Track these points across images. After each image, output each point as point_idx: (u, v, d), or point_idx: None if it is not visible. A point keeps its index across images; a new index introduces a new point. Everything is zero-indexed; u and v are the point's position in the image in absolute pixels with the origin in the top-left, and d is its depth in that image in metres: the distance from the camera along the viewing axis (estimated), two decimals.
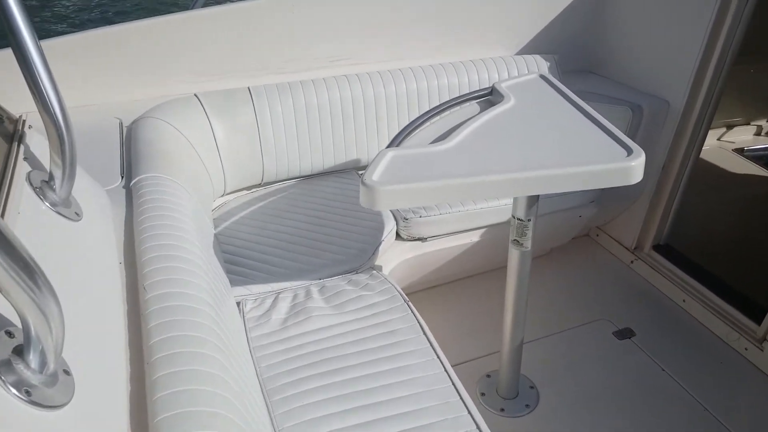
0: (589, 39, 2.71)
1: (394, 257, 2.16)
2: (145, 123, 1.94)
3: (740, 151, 3.57)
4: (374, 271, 1.83)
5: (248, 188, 2.31)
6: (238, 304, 1.71)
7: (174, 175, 1.66)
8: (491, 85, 1.86)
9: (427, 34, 2.44)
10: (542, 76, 1.88)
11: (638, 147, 1.38)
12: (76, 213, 1.20)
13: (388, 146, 1.52)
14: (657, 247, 2.61)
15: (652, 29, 2.41)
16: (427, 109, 2.31)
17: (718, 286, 2.35)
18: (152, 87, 2.17)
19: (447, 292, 2.51)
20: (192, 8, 2.30)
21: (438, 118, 1.76)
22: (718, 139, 3.71)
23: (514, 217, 1.62)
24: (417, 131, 1.68)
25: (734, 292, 2.31)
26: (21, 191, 1.09)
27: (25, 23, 1.01)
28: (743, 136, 3.76)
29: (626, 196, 2.57)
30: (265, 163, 2.22)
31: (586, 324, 2.32)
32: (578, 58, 2.75)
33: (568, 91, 1.74)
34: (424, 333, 1.53)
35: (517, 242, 1.66)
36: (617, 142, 1.43)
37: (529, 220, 1.61)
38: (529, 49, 2.64)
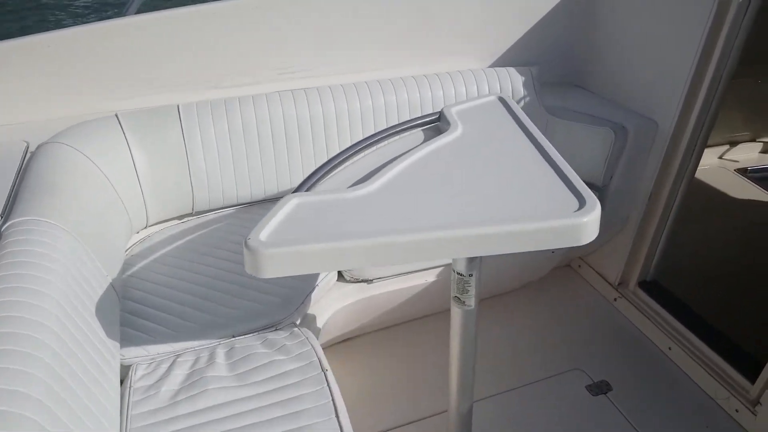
0: (574, 50, 2.43)
1: (336, 302, 1.91)
2: (47, 150, 1.70)
3: (744, 171, 3.27)
4: (296, 329, 1.57)
5: (179, 217, 2.06)
6: (129, 368, 1.46)
7: (58, 217, 1.42)
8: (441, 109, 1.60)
9: (392, 43, 2.17)
10: (501, 99, 1.61)
11: (593, 197, 1.11)
12: None
13: (297, 189, 1.27)
14: (643, 284, 2.34)
15: (641, 42, 2.13)
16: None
17: (708, 334, 2.07)
18: (72, 105, 1.92)
19: (396, 336, 2.24)
20: (124, 14, 2.06)
21: (374, 149, 1.50)
22: (720, 158, 3.41)
23: (454, 271, 1.36)
24: (346, 165, 1.41)
25: (727, 342, 2.03)
26: None
27: None
28: (748, 153, 3.46)
29: (608, 227, 2.29)
30: (195, 192, 1.97)
31: (556, 375, 2.05)
32: (563, 70, 2.48)
33: (526, 119, 1.47)
34: (337, 416, 1.28)
35: (458, 299, 1.39)
36: (570, 190, 1.16)
37: (470, 275, 1.35)
38: (507, 60, 2.36)
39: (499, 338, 2.22)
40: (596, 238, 2.35)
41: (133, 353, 1.48)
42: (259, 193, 2.05)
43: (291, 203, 1.17)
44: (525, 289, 2.47)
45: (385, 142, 1.52)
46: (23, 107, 1.86)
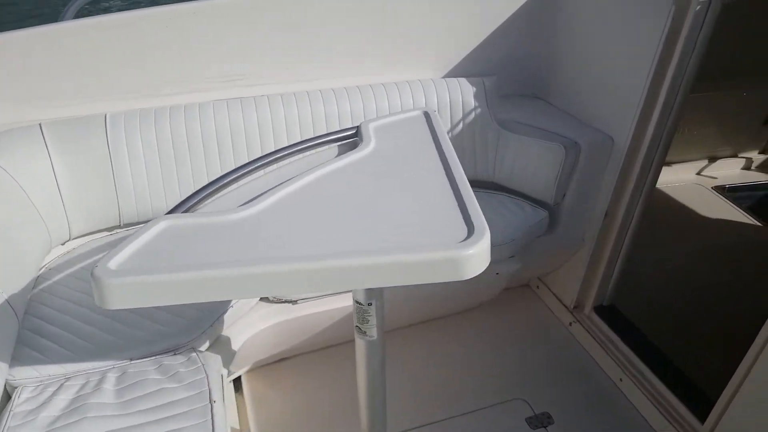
0: (533, 61, 2.32)
1: (258, 322, 1.81)
2: None
3: (722, 188, 3.15)
4: (194, 354, 1.47)
5: (108, 229, 1.97)
6: (14, 389, 1.37)
7: None
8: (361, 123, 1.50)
9: (344, 50, 2.08)
10: (426, 114, 1.51)
11: (483, 226, 1.00)
12: None
13: (173, 209, 1.17)
14: (599, 309, 2.22)
15: (599, 55, 2.03)
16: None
17: (661, 366, 1.95)
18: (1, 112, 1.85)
19: (325, 359, 2.13)
20: (61, 20, 1.98)
21: (281, 165, 1.40)
22: (698, 173, 3.28)
23: (353, 299, 1.26)
24: (242, 183, 1.31)
25: (679, 376, 1.91)
26: None
27: None
28: (729, 170, 3.33)
29: (563, 247, 2.18)
30: (121, 203, 1.88)
31: (497, 404, 1.94)
32: (523, 81, 2.37)
33: (444, 136, 1.37)
34: None
35: (359, 330, 1.29)
36: (463, 217, 1.06)
37: (370, 304, 1.25)
38: (464, 70, 2.26)
39: (442, 362, 2.11)
40: (550, 258, 2.26)
41: (23, 374, 1.39)
42: None
43: (158, 226, 1.07)
44: (479, 309, 2.36)
45: (297, 157, 1.42)
46: None
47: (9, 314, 1.45)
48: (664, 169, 3.19)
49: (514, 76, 2.34)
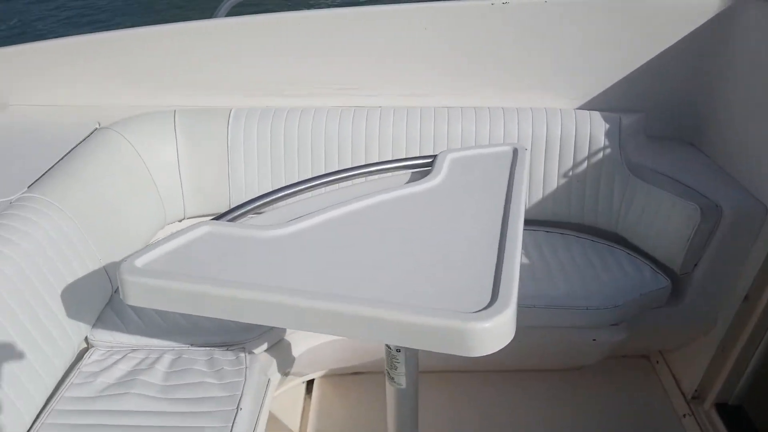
0: (688, 103, 2.00)
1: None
2: (100, 135, 1.85)
3: None
4: (244, 353, 1.49)
5: (219, 213, 2.11)
6: (86, 350, 1.52)
7: (61, 199, 1.52)
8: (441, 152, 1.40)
9: (466, 68, 1.99)
10: (515, 151, 1.36)
11: (510, 296, 0.86)
12: None
13: (221, 216, 1.19)
14: (721, 407, 1.83)
15: (762, 107, 1.67)
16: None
17: None
18: (150, 97, 2.08)
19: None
20: (214, 17, 2.18)
21: (349, 184, 1.36)
22: None
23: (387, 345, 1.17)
24: (301, 198, 1.30)
25: None
26: None
27: None
28: None
29: (687, 324, 1.84)
30: (232, 193, 2.00)
31: None
32: (676, 123, 2.05)
33: (522, 181, 1.22)
34: None
35: (389, 376, 1.20)
36: (494, 280, 0.92)
37: (398, 350, 1.15)
38: (602, 103, 2.03)
39: (511, 420, 1.91)
40: (669, 335, 1.92)
41: (100, 336, 1.54)
42: None
43: (198, 230, 1.09)
44: (577, 375, 2.09)
45: (366, 178, 1.37)
46: (99, 93, 2.05)
47: (102, 279, 1.62)
48: None
49: (665, 116, 2.03)
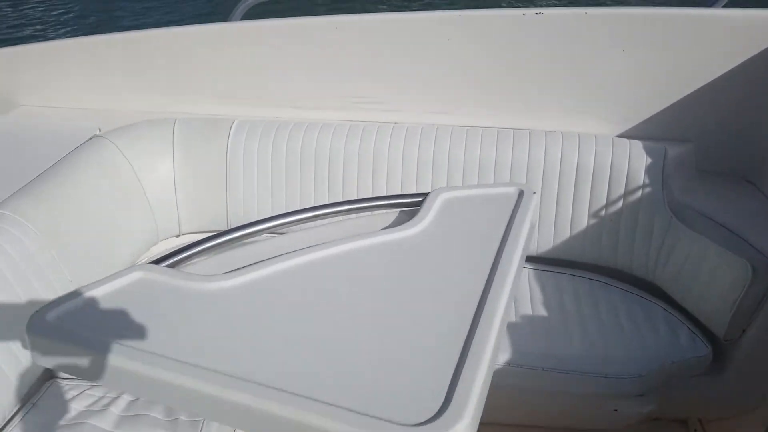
0: (748, 134, 1.71)
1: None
2: (92, 143, 1.75)
3: None
4: None
5: (215, 231, 1.98)
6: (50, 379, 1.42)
7: (34, 216, 1.43)
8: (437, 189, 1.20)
9: (494, 85, 1.79)
10: (521, 193, 1.15)
11: (465, 405, 0.66)
12: None
13: (160, 259, 1.04)
14: None
15: None
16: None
17: None
18: (143, 102, 1.98)
19: None
20: (229, 20, 2.07)
21: (326, 222, 1.18)
22: None
23: None
24: (266, 239, 1.14)
25: None
26: None
27: None
28: None
29: (731, 396, 1.57)
30: (229, 208, 1.87)
31: None
32: (728, 155, 1.77)
33: (521, 235, 1.01)
34: None
35: None
36: (451, 380, 0.72)
37: None
38: (647, 131, 1.77)
39: None
40: (708, 407, 1.64)
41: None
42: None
43: (132, 276, 0.95)
44: None
45: (346, 217, 1.19)
46: (99, 96, 1.97)
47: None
48: None
49: (717, 148, 1.76)
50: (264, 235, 1.13)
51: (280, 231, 1.15)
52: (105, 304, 0.88)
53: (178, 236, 1.94)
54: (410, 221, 1.06)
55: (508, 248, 0.95)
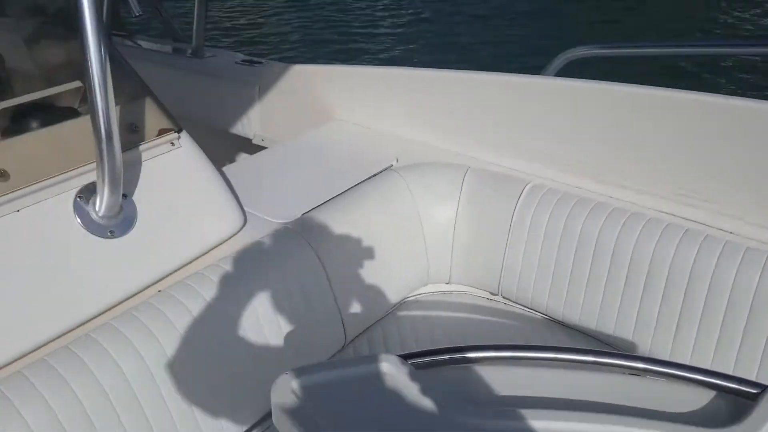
0: None
1: None
2: (386, 176, 1.80)
3: None
4: None
5: (487, 293, 1.84)
6: None
7: (318, 234, 1.50)
8: None
9: None
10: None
11: None
12: (110, 231, 1.19)
13: (416, 354, 0.92)
14: None
15: None
16: None
17: None
18: (448, 141, 1.92)
19: None
20: (543, 72, 1.96)
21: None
22: None
23: None
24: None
25: None
26: (61, 196, 1.15)
27: (94, 27, 0.99)
28: None
29: None
30: (503, 275, 1.71)
31: None
32: None
33: None
34: None
35: None
36: None
37: None
38: None
39: None
40: None
41: None
42: (573, 318, 1.62)
43: (378, 366, 0.85)
44: None
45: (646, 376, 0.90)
46: (397, 125, 2.00)
47: (339, 329, 1.58)
48: None
49: None
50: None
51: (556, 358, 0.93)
52: (348, 386, 0.82)
53: (447, 283, 1.87)
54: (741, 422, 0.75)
55: None
